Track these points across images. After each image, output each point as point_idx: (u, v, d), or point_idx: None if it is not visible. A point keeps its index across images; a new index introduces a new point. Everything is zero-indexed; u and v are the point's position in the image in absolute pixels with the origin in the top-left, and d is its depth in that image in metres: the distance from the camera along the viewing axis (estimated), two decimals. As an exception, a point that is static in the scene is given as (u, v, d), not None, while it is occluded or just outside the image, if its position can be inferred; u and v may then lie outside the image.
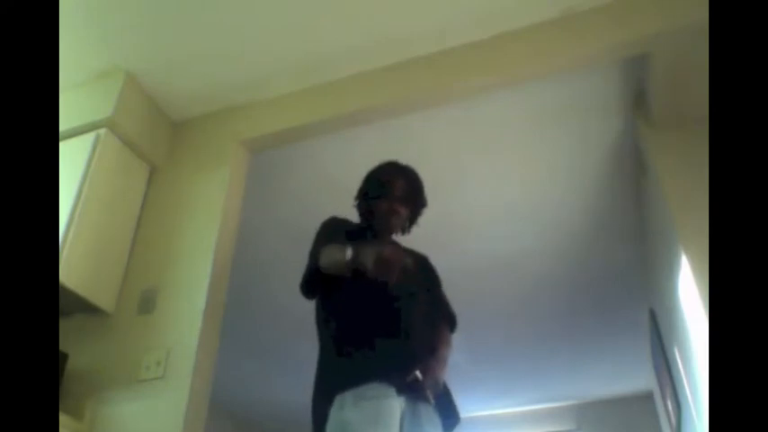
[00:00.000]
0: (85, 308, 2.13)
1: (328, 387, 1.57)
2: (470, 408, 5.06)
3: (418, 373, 1.56)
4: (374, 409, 1.47)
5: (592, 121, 2.70)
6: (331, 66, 2.44)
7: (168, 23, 2.27)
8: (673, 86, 2.27)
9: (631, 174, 2.94)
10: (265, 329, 4.10)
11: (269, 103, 2.55)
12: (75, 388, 2.00)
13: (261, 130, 2.51)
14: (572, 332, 4.26)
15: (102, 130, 2.31)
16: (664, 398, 3.74)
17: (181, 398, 1.90)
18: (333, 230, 1.79)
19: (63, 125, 2.26)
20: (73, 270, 2.04)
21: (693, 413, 2.65)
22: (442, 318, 1.85)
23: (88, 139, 2.28)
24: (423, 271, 1.89)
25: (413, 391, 1.56)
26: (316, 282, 1.69)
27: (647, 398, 4.89)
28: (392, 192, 1.84)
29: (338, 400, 1.51)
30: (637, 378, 4.79)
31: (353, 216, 1.92)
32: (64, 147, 2.13)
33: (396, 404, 1.51)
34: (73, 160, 2.22)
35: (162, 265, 2.25)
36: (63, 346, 2.01)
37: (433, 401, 1.60)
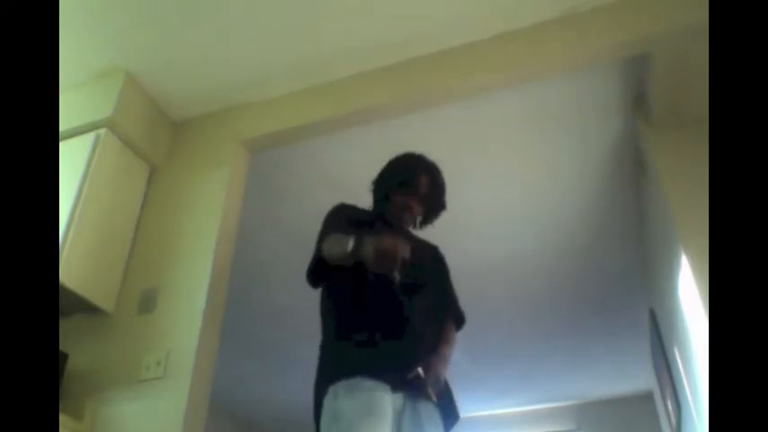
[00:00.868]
0: (85, 308, 2.13)
1: (325, 377, 1.57)
2: (470, 408, 5.05)
3: (420, 370, 1.55)
4: (367, 400, 1.46)
5: (592, 121, 2.70)
6: (331, 66, 2.44)
7: (168, 24, 2.27)
8: (673, 87, 2.27)
9: (631, 174, 2.94)
10: (265, 329, 4.10)
11: (269, 103, 2.55)
12: (75, 388, 2.00)
13: (261, 130, 2.51)
14: (572, 332, 4.26)
15: (102, 130, 2.31)
16: (664, 398, 3.74)
17: (181, 398, 1.90)
18: (340, 219, 1.76)
19: (63, 125, 2.25)
20: (73, 270, 2.04)
21: (693, 413, 2.65)
22: (448, 315, 1.82)
23: (88, 139, 2.29)
24: (433, 261, 1.87)
25: (414, 389, 1.55)
26: (321, 271, 1.67)
27: (647, 398, 4.88)
28: (413, 187, 1.80)
29: (332, 390, 1.51)
30: (637, 378, 4.78)
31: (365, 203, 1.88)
32: (64, 147, 2.13)
33: (388, 399, 1.50)
34: (73, 160, 2.22)
35: (162, 265, 2.25)
36: (63, 346, 2.01)
37: (435, 399, 1.58)
